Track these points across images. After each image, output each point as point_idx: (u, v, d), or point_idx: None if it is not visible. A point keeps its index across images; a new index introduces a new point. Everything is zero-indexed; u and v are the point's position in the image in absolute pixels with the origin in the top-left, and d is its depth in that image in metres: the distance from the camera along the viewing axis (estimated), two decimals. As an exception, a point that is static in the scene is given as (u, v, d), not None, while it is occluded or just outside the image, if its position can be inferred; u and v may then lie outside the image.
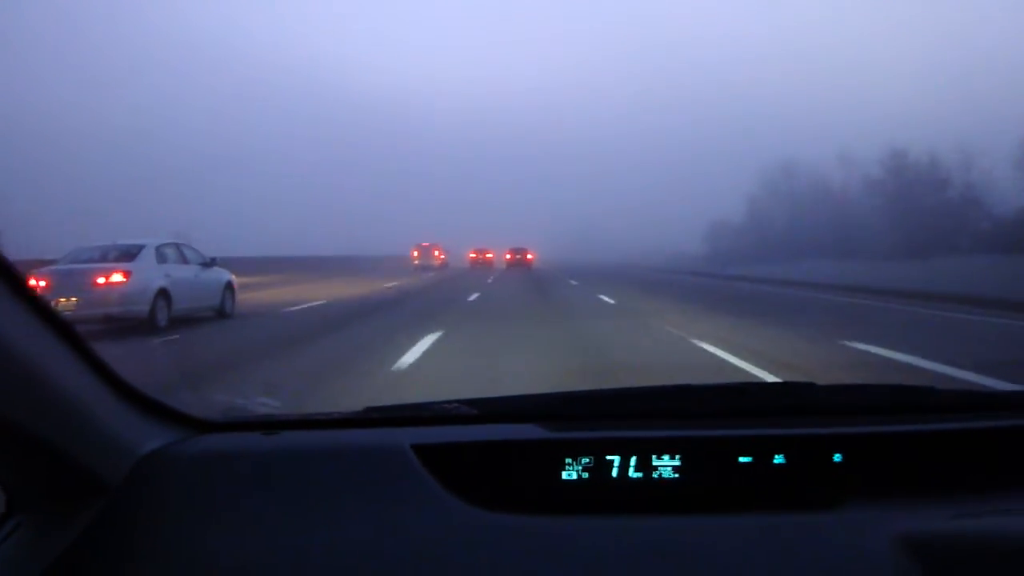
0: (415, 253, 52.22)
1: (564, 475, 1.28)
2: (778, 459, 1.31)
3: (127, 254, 11.31)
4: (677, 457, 1.30)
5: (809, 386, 1.54)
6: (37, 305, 1.00)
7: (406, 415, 1.45)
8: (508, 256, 50.21)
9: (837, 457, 1.33)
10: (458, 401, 1.45)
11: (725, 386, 1.54)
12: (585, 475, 1.29)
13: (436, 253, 52.39)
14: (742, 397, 1.55)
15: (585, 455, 1.29)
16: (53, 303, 10.00)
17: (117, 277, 10.67)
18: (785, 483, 1.31)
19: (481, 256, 55.20)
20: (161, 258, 11.75)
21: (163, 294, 11.25)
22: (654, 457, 1.30)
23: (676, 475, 1.30)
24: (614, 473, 1.29)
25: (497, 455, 1.31)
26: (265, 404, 1.75)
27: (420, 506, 1.19)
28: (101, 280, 10.61)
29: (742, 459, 1.31)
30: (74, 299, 10.37)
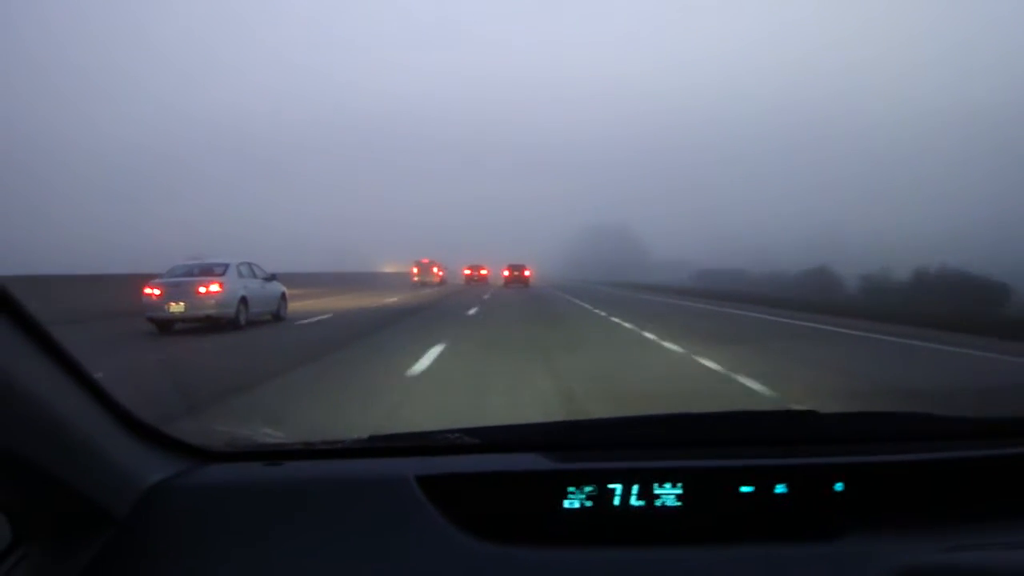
0: (414, 270, 53.88)
1: (566, 504, 1.29)
2: (780, 488, 1.32)
3: (218, 270, 14.93)
4: (679, 486, 1.30)
5: (812, 414, 1.54)
6: (41, 337, 1.00)
7: (409, 445, 1.47)
8: (505, 273, 49.64)
9: (839, 486, 1.33)
10: (461, 430, 1.48)
11: (727, 414, 1.55)
12: (588, 504, 1.29)
13: (435, 270, 54.16)
14: (745, 425, 1.57)
15: (587, 484, 1.29)
16: (166, 306, 13.66)
17: (215, 287, 14.30)
18: (787, 513, 1.31)
19: (476, 273, 56.03)
20: (240, 273, 15.38)
21: (243, 301, 14.90)
22: (656, 486, 1.30)
23: (678, 503, 1.30)
24: (616, 502, 1.30)
25: (500, 486, 1.32)
26: (268, 434, 1.79)
27: (423, 539, 1.20)
28: (203, 290, 14.21)
29: (744, 488, 1.31)
30: (182, 303, 14.00)
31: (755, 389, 7.01)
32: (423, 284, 49.66)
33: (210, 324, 14.21)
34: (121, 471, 1.20)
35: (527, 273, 49.97)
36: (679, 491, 1.31)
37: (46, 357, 1.02)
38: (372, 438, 1.51)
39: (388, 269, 63.38)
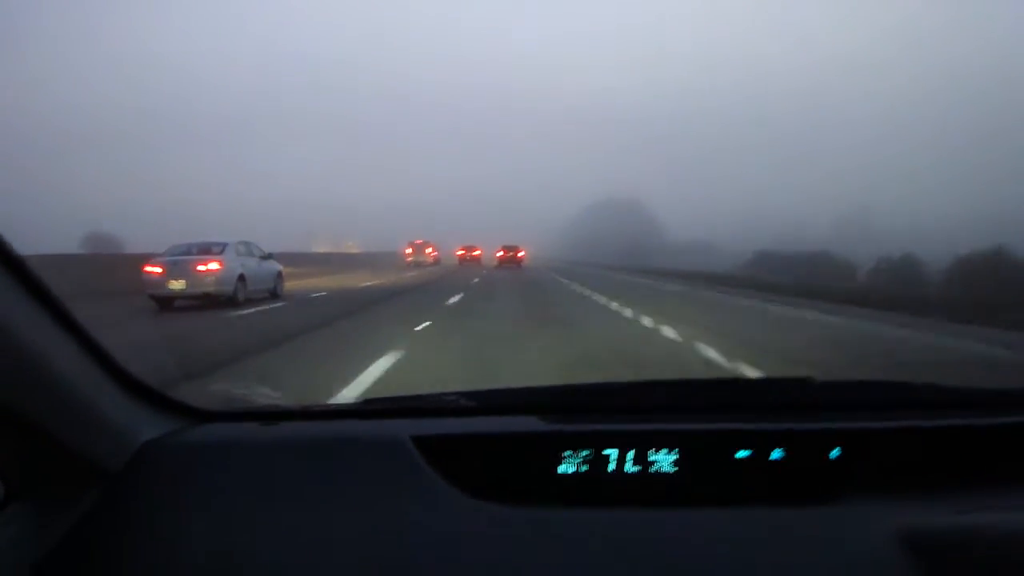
0: (408, 250, 54.21)
1: (562, 468, 1.30)
2: (776, 454, 1.32)
3: (217, 249, 15.40)
4: (675, 451, 1.31)
5: (807, 381, 1.54)
6: (41, 294, 1.00)
7: (405, 407, 1.49)
8: (499, 254, 49.97)
9: (835, 452, 1.34)
10: (457, 393, 1.48)
11: (723, 380, 1.66)
12: (583, 468, 1.30)
13: (429, 250, 54.70)
14: (740, 391, 1.59)
15: (583, 448, 1.30)
16: (167, 284, 14.14)
17: (214, 265, 14.80)
18: (783, 477, 1.32)
19: (469, 253, 56.05)
20: (238, 252, 15.86)
21: (242, 278, 15.41)
22: (652, 451, 1.31)
23: (674, 468, 1.31)
24: (611, 467, 1.31)
25: (496, 447, 1.33)
26: (265, 395, 1.79)
27: (419, 497, 1.21)
28: (202, 268, 14.71)
29: (740, 453, 1.32)
30: (183, 281, 14.50)
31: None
32: (417, 264, 49.84)
33: (209, 301, 14.70)
34: (116, 428, 1.21)
35: (521, 254, 50.07)
36: (675, 456, 1.32)
37: (45, 312, 1.03)
38: (368, 400, 1.54)
39: (379, 249, 62.67)
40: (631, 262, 57.86)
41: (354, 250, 60.10)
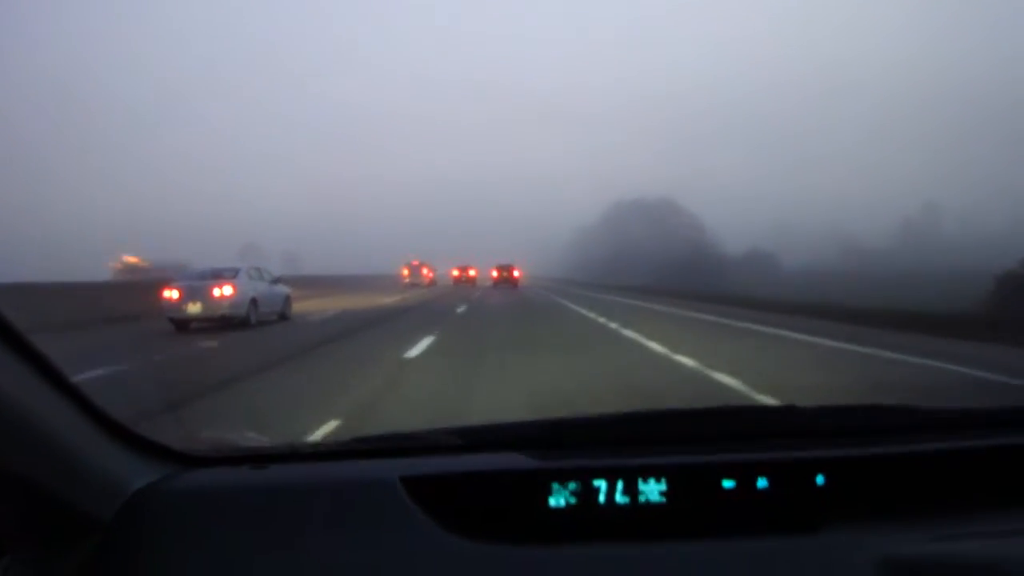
0: (405, 271, 55.21)
1: (551, 501, 1.31)
2: (761, 482, 1.35)
3: (230, 274, 16.38)
4: (663, 481, 1.33)
5: (792, 408, 1.58)
6: (18, 344, 1.00)
7: (393, 446, 1.48)
8: (494, 273, 49.88)
9: (819, 479, 1.36)
10: (445, 431, 1.50)
11: (710, 410, 1.60)
12: (572, 500, 1.31)
13: (425, 271, 55.79)
14: (726, 420, 1.62)
15: (572, 481, 1.32)
16: (184, 307, 15.05)
17: (228, 290, 15.74)
18: (769, 506, 1.34)
19: (464, 273, 56.40)
20: (250, 276, 16.83)
21: (254, 302, 16.34)
22: (640, 482, 1.33)
23: (663, 499, 1.33)
24: (601, 499, 1.32)
25: (485, 485, 1.34)
26: (253, 438, 1.79)
27: (410, 539, 1.22)
28: (217, 292, 15.64)
29: (726, 483, 1.34)
30: (199, 304, 15.43)
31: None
32: (413, 285, 50.74)
33: (223, 324, 15.61)
34: (105, 477, 1.21)
35: (516, 274, 50.08)
36: (663, 487, 1.34)
37: (25, 364, 1.03)
38: (356, 440, 1.54)
39: (373, 271, 62.64)
40: (688, 285, 38.83)
41: (144, 264, 54.97)
